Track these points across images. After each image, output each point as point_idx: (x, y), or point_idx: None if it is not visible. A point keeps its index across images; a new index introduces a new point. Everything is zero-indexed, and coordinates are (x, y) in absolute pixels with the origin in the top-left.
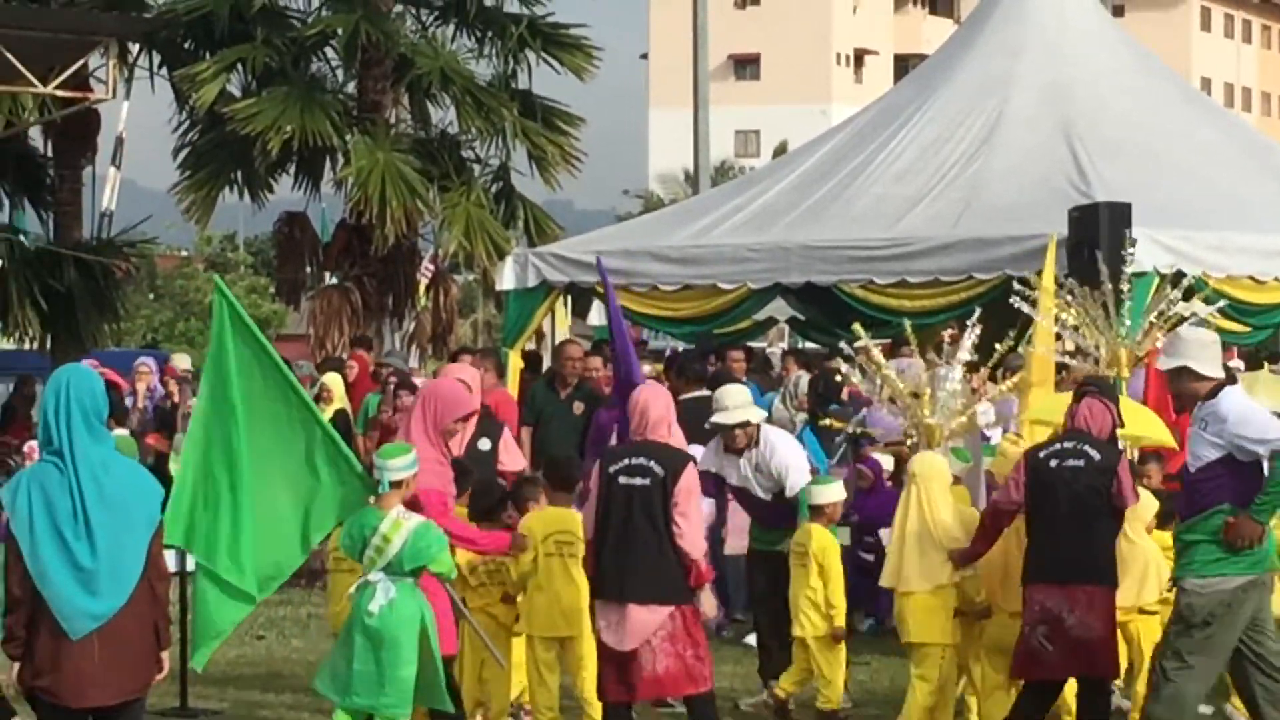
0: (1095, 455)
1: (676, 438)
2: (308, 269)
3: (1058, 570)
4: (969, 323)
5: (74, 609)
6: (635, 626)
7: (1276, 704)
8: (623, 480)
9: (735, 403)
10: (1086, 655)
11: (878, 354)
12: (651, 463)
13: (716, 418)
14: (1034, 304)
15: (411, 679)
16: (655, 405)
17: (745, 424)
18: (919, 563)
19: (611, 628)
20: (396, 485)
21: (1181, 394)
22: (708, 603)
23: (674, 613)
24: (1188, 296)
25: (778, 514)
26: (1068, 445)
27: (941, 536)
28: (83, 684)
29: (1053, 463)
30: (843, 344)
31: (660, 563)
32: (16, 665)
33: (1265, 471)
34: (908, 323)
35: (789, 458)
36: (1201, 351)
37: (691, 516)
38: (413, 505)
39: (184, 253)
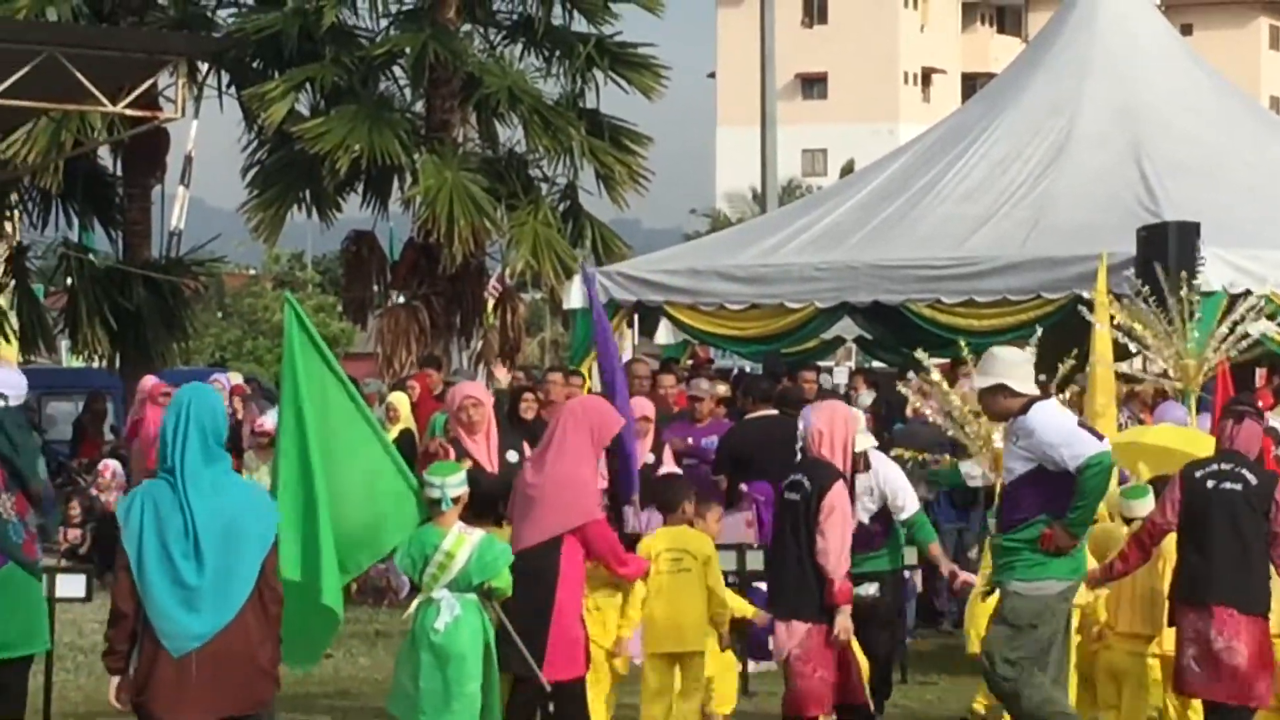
0: (1253, 479)
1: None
2: (375, 287)
3: (1209, 592)
4: (1028, 343)
5: (175, 627)
6: (778, 642)
7: (1053, 703)
8: (786, 495)
9: (862, 427)
10: (1231, 680)
11: (938, 377)
12: (804, 478)
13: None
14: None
15: (478, 695)
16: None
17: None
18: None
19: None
20: (455, 502)
21: (995, 411)
22: (841, 623)
23: (811, 630)
24: (1255, 315)
25: (871, 535)
26: (1225, 467)
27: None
28: (179, 702)
29: (1209, 483)
30: (915, 362)
31: (801, 578)
32: (116, 679)
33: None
34: (963, 342)
35: (898, 480)
36: (1015, 370)
37: (830, 534)
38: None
39: (252, 271)
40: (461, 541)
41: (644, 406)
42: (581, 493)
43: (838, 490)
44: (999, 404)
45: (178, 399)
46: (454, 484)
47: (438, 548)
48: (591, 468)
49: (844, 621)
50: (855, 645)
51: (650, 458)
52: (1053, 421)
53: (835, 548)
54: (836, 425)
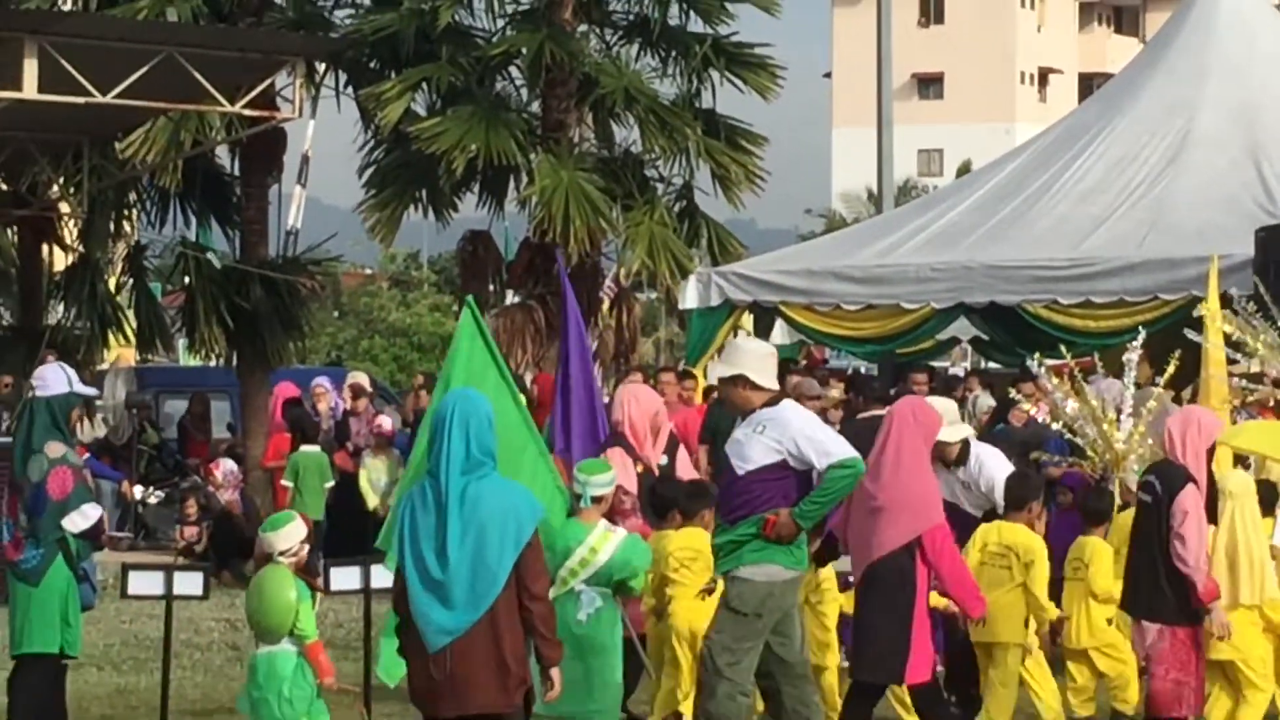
0: None
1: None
2: (491, 287)
3: None
4: (1132, 345)
5: (428, 623)
6: (1135, 642)
7: (807, 704)
8: (1140, 496)
9: (952, 418)
10: None
11: (1054, 381)
12: (1155, 480)
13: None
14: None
15: (619, 685)
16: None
17: (965, 440)
18: (1227, 580)
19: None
20: (598, 500)
21: (733, 401)
22: (1218, 620)
23: (1162, 631)
24: None
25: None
26: None
27: (1259, 555)
28: (436, 695)
29: None
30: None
31: (1154, 580)
32: None
33: (815, 480)
34: (1063, 348)
35: (999, 474)
36: (760, 363)
37: (1188, 537)
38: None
39: (368, 270)
40: (606, 538)
41: (656, 404)
42: (928, 497)
43: (1189, 493)
44: (738, 394)
45: (445, 403)
46: (597, 483)
47: (582, 542)
48: (929, 469)
49: (1220, 618)
50: None
51: (664, 459)
52: (809, 419)
53: (1194, 551)
54: (1190, 430)
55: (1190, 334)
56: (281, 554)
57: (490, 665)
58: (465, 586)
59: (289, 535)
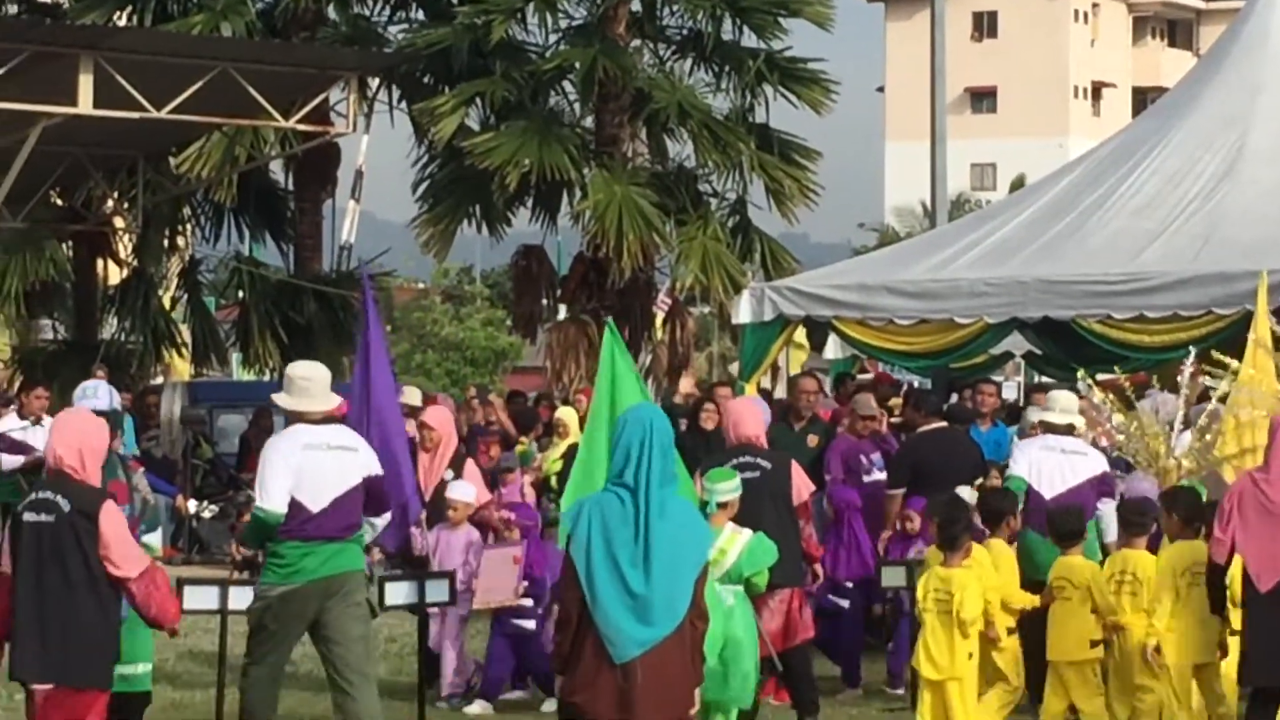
0: None
1: None
2: (544, 301)
3: None
4: (1185, 363)
5: (622, 633)
6: None
7: (349, 714)
8: None
9: (1065, 406)
10: None
11: (1097, 398)
12: None
13: (1046, 416)
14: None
15: (754, 674)
16: None
17: (1070, 427)
18: None
19: None
20: (723, 506)
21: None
22: None
23: None
24: None
25: None
26: None
27: None
28: (621, 706)
29: None
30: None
31: None
32: (560, 679)
33: None
34: (1118, 369)
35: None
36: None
37: None
38: None
39: (421, 285)
40: (734, 540)
41: (435, 417)
42: None
43: None
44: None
45: (641, 417)
46: (724, 490)
47: (712, 545)
48: None
49: None
50: None
51: (449, 474)
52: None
53: None
54: None
55: (1229, 359)
56: None
57: (679, 677)
58: (663, 599)
59: None
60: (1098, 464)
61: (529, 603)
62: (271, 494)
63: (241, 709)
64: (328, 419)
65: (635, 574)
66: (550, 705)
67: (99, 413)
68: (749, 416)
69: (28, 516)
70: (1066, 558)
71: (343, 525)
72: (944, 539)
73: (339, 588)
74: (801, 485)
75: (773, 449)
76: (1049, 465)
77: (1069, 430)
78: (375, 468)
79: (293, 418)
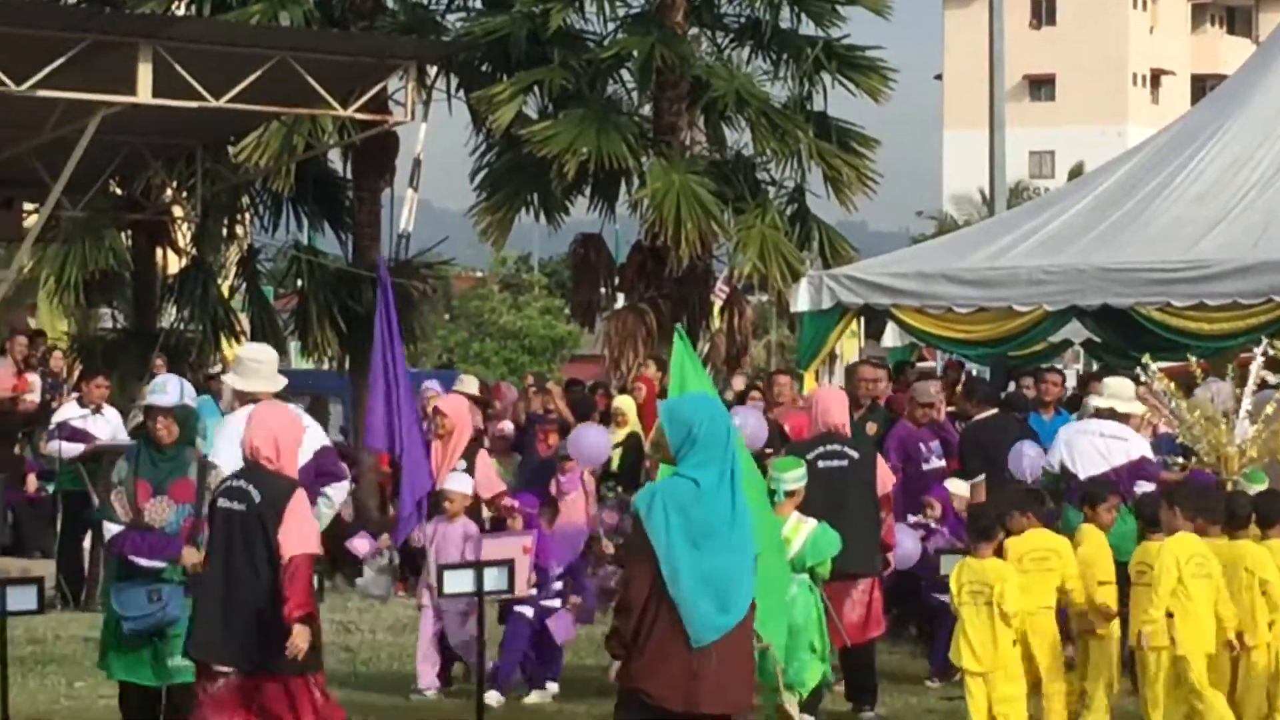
0: None
1: None
2: (602, 290)
3: None
4: (1258, 350)
5: (699, 617)
6: None
7: None
8: None
9: (1114, 392)
10: None
11: (1160, 386)
12: None
13: (1095, 402)
14: None
15: (815, 661)
16: None
17: (1112, 411)
18: None
19: None
20: (790, 495)
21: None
22: None
23: None
24: None
25: None
26: None
27: None
28: (697, 691)
29: None
30: (1138, 369)
31: None
32: (617, 663)
33: None
34: (1191, 356)
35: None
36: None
37: None
38: None
39: (479, 273)
40: (798, 529)
41: (450, 405)
42: None
43: None
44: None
45: (704, 408)
46: (789, 479)
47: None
48: None
49: None
50: None
51: (461, 464)
52: None
53: None
54: None
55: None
56: None
57: (746, 665)
58: (737, 587)
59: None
60: (1137, 448)
61: (533, 591)
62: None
63: None
64: (281, 399)
65: (714, 560)
66: (535, 698)
67: (165, 408)
68: (836, 405)
69: (221, 503)
70: (1148, 543)
71: None
72: (974, 530)
73: None
74: (885, 476)
75: (856, 438)
76: (1084, 446)
77: (1111, 414)
78: (324, 441)
79: (244, 399)
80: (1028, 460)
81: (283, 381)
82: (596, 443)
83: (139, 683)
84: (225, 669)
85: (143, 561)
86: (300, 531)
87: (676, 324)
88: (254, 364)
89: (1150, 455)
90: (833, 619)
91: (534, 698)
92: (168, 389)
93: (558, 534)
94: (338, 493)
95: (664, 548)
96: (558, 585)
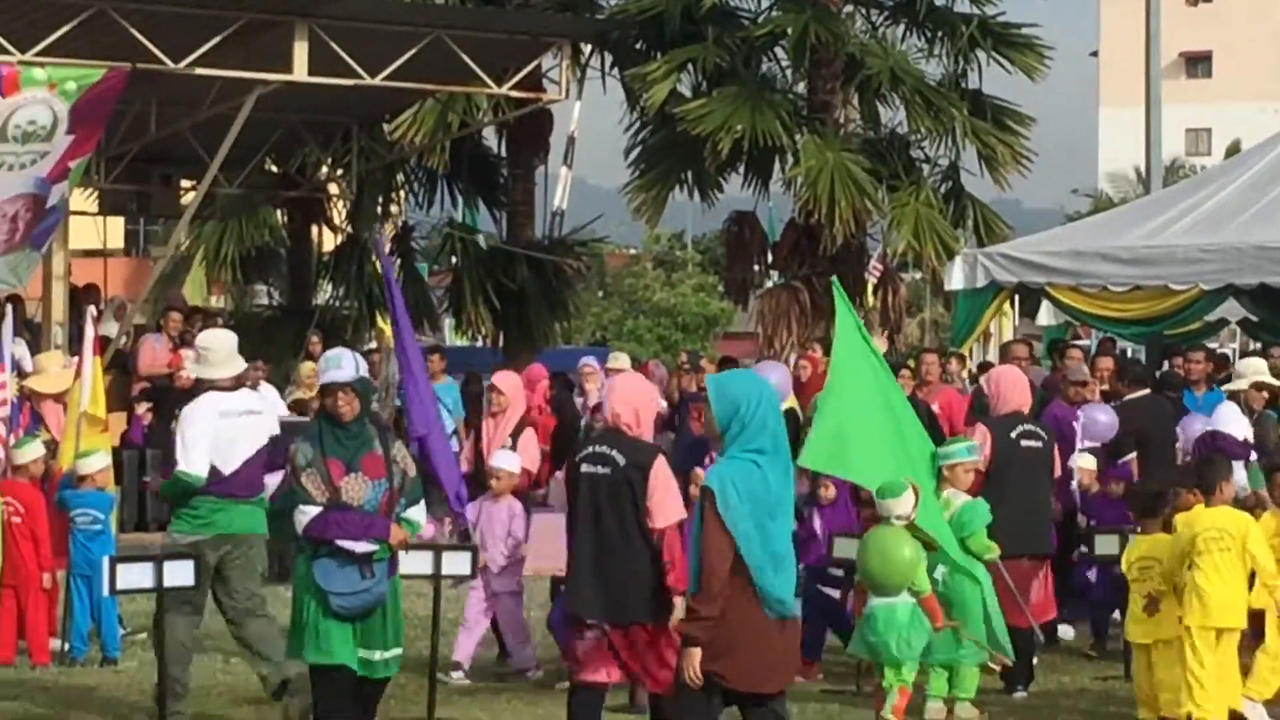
0: None
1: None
2: (756, 268)
3: None
4: None
5: (774, 593)
6: None
7: (245, 639)
8: None
9: (1240, 372)
10: None
11: None
12: None
13: (1233, 385)
14: None
15: (984, 632)
16: None
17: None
18: None
19: None
20: (964, 469)
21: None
22: None
23: None
24: None
25: None
26: None
27: None
28: (767, 668)
29: None
30: None
31: None
32: (697, 651)
33: None
34: None
35: None
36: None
37: None
38: None
39: (632, 251)
40: (949, 504)
41: (505, 382)
42: None
43: None
44: None
45: (758, 386)
46: (949, 454)
47: None
48: None
49: None
50: None
51: (509, 442)
52: None
53: None
54: None
55: None
56: (898, 518)
57: (796, 640)
58: (790, 561)
59: (907, 501)
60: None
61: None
62: (194, 458)
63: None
64: (238, 384)
65: (780, 538)
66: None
67: (344, 384)
68: (1021, 386)
69: (585, 468)
70: None
71: (248, 485)
72: (1137, 508)
73: (241, 544)
74: (1058, 459)
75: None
76: (1195, 429)
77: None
78: (277, 428)
79: (204, 384)
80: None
81: (240, 366)
82: None
83: (341, 663)
84: (595, 622)
85: (352, 545)
86: (668, 501)
87: (833, 277)
88: (204, 351)
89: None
90: (1016, 599)
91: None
92: (343, 363)
93: None
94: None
95: (739, 529)
96: None
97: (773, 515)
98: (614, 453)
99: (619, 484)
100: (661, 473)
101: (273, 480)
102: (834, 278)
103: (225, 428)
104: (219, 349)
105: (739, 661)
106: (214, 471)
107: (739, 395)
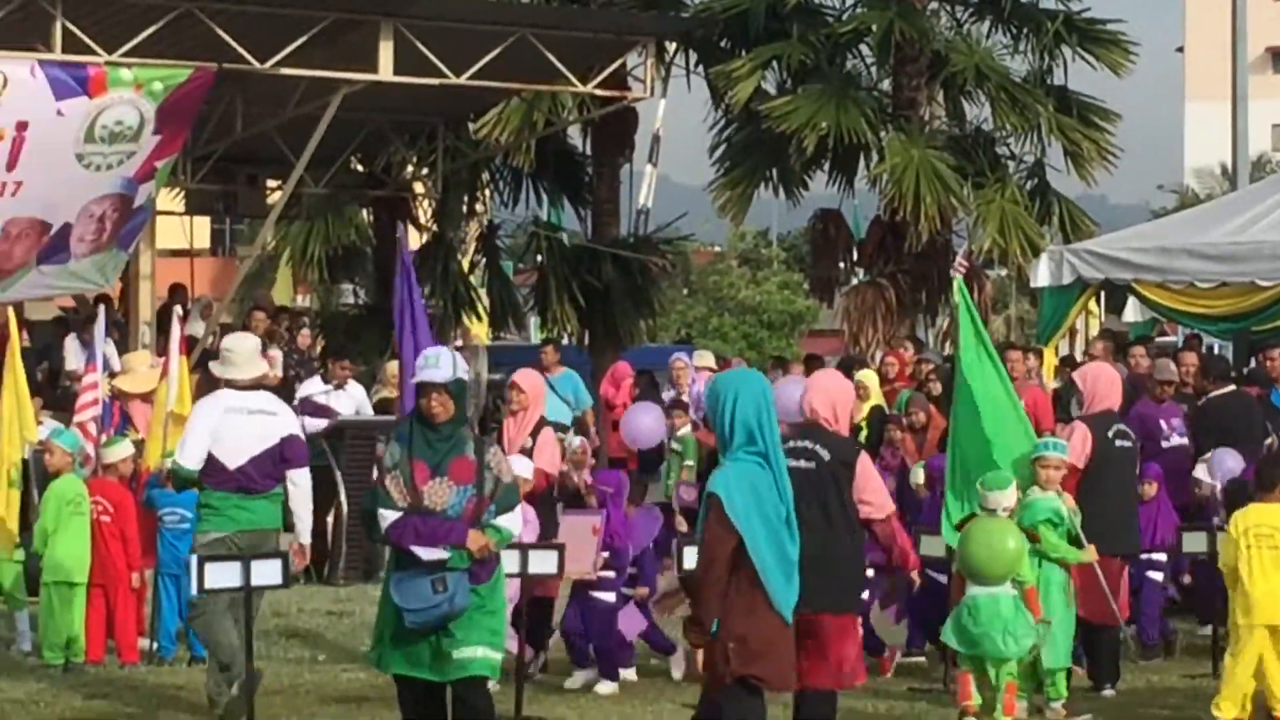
0: None
1: None
2: (841, 265)
3: None
4: None
5: (784, 597)
6: None
7: (209, 630)
8: None
9: None
10: None
11: None
12: None
13: None
14: None
15: (1049, 628)
16: None
17: None
18: None
19: None
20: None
21: None
22: None
23: None
24: None
25: None
26: None
27: None
28: (785, 665)
29: None
30: None
31: None
32: (701, 653)
33: None
34: None
35: None
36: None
37: None
38: None
39: (717, 248)
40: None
41: (526, 380)
42: None
43: None
44: None
45: (760, 386)
46: (1059, 453)
47: None
48: None
49: None
50: None
51: (528, 442)
52: None
53: None
54: None
55: None
56: (1004, 509)
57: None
58: (796, 576)
59: (1011, 493)
60: None
61: (610, 574)
62: (188, 451)
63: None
64: (257, 385)
65: (790, 539)
66: (573, 682)
67: (440, 384)
68: (1116, 385)
69: (789, 463)
70: None
71: (260, 481)
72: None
73: (258, 539)
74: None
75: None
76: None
77: None
78: (294, 429)
79: (223, 384)
80: (1222, 471)
81: (261, 368)
82: (646, 426)
83: (419, 676)
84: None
85: (423, 553)
86: (882, 492)
87: (957, 276)
88: (227, 353)
89: None
90: (1107, 597)
91: (605, 688)
92: (440, 363)
93: (634, 515)
94: (300, 477)
95: (748, 531)
96: (631, 570)
97: (777, 515)
98: (817, 447)
99: (824, 477)
100: (869, 467)
101: (302, 478)
102: (959, 278)
103: (230, 423)
104: (241, 351)
105: (769, 660)
106: (218, 465)
107: (734, 396)
